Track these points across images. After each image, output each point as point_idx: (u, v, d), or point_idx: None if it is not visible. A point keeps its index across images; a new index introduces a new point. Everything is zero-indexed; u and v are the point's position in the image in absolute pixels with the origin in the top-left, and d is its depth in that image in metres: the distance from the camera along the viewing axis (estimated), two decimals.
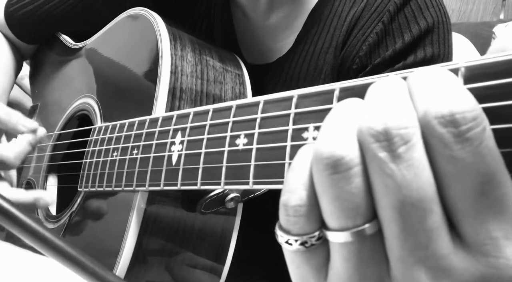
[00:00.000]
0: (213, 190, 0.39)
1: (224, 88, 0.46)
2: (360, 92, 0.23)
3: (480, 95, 0.18)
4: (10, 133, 0.50)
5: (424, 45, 0.46)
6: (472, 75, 0.18)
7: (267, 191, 0.42)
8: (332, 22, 0.49)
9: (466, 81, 0.18)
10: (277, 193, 0.42)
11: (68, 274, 0.26)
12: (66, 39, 0.65)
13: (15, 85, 0.84)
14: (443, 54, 0.47)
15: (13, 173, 0.53)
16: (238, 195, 0.41)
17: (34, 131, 0.48)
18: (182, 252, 0.42)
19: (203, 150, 0.31)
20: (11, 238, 0.53)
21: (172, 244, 0.41)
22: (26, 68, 0.78)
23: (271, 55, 0.54)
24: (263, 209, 0.48)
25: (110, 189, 0.40)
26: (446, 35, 0.47)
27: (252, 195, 0.42)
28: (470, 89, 0.18)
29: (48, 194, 0.47)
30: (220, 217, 0.42)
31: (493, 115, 0.17)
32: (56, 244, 0.23)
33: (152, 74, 0.42)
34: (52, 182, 0.57)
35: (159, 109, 0.40)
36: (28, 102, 0.91)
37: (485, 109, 0.17)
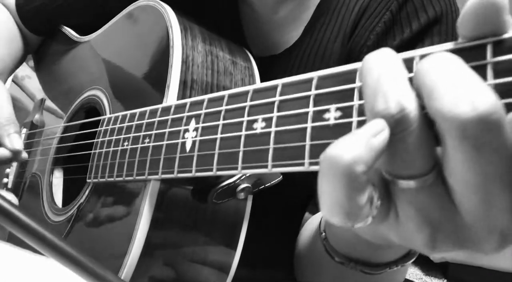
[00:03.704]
0: (224, 180, 0.39)
1: (234, 79, 0.45)
2: None
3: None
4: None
5: (432, 35, 0.45)
6: (501, 49, 0.18)
7: (278, 182, 0.42)
8: (340, 12, 0.49)
9: (496, 55, 0.18)
10: (287, 186, 0.41)
11: (68, 274, 0.25)
12: (71, 32, 0.65)
13: (16, 86, 0.84)
14: None
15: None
16: (249, 185, 0.40)
17: (15, 153, 0.48)
18: (192, 244, 0.41)
19: (219, 135, 0.30)
20: (11, 239, 0.52)
21: (183, 236, 0.41)
22: (27, 69, 0.78)
23: (278, 47, 0.54)
24: (273, 201, 0.48)
25: (121, 178, 0.40)
26: (455, 25, 0.47)
27: (263, 186, 0.42)
28: (500, 62, 0.18)
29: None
30: (230, 208, 0.42)
31: None
32: (56, 244, 0.23)
33: (163, 64, 0.42)
34: (58, 175, 0.56)
35: (171, 98, 0.40)
36: (27, 103, 0.90)
37: None
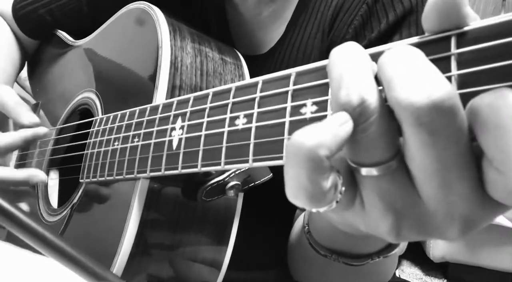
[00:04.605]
0: (214, 178, 0.40)
1: (223, 79, 0.46)
2: None
3: (474, 58, 0.18)
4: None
5: (409, 25, 0.46)
6: (464, 40, 0.19)
7: (268, 180, 0.42)
8: (320, 8, 0.50)
9: (460, 46, 0.19)
10: (278, 184, 0.42)
11: (68, 274, 0.26)
12: (66, 36, 0.66)
13: (19, 86, 0.85)
14: None
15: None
16: (238, 182, 0.41)
17: (35, 127, 0.50)
18: (183, 242, 0.42)
19: (203, 132, 0.31)
20: (11, 237, 0.53)
21: (173, 234, 0.41)
22: None
23: (263, 46, 0.55)
24: (264, 200, 0.48)
25: (111, 178, 0.40)
26: None
27: (253, 184, 0.43)
28: (463, 53, 0.19)
29: (41, 172, 0.48)
30: (221, 205, 0.43)
31: (490, 76, 0.18)
32: (56, 244, 0.24)
33: (152, 65, 0.43)
34: (54, 176, 0.57)
35: (159, 99, 0.40)
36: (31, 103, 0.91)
37: (483, 71, 0.18)
